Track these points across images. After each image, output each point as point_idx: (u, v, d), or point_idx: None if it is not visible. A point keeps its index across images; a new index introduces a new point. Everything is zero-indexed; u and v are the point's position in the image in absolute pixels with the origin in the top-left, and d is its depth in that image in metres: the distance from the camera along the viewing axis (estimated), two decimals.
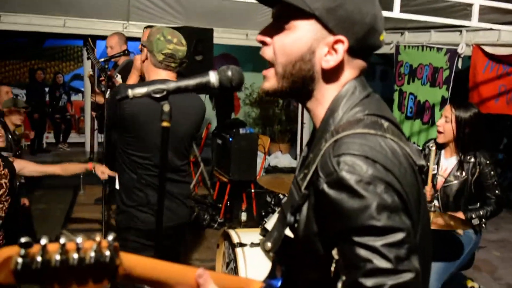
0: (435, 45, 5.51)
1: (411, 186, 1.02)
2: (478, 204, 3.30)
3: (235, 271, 3.32)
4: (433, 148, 3.34)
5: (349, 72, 1.13)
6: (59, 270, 0.82)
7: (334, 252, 1.00)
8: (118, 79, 5.50)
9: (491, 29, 3.94)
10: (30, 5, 6.80)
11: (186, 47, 2.70)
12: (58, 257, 0.80)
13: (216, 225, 5.57)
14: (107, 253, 0.84)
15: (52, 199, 6.20)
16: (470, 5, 3.50)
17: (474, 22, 3.22)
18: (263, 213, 3.81)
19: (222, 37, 7.88)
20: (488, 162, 3.21)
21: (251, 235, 3.38)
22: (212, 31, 5.72)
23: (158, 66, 2.66)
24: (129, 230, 2.69)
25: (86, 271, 0.84)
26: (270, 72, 1.16)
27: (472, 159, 3.23)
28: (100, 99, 5.38)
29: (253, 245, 3.26)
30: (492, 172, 3.21)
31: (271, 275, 1.40)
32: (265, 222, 3.15)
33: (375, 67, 13.03)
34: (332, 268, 1.01)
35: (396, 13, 3.09)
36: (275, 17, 1.16)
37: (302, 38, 1.10)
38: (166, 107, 1.22)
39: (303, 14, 1.08)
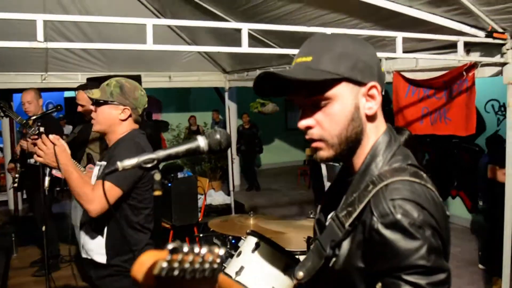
0: None
1: (447, 231, 1.14)
2: None
3: None
4: None
5: (379, 112, 1.26)
6: (185, 278, 0.85)
7: (378, 286, 1.10)
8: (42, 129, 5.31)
9: (414, 58, 4.23)
10: None
11: None
12: (188, 266, 0.84)
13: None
14: (216, 266, 0.87)
15: None
16: (389, 37, 3.76)
17: (399, 53, 3.43)
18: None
19: (146, 80, 7.82)
20: None
21: None
22: (140, 77, 5.69)
23: (137, 121, 2.69)
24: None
25: (200, 281, 0.88)
26: (322, 144, 1.23)
27: None
28: (30, 146, 5.16)
29: None
30: None
31: None
32: (225, 267, 3.11)
33: None
34: None
35: None
36: (306, 99, 1.23)
37: (345, 103, 1.20)
38: (157, 176, 1.22)
39: (334, 82, 1.19)
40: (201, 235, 4.63)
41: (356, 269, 1.16)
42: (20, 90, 8.47)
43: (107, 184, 2.43)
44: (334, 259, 1.20)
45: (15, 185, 5.55)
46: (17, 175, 5.50)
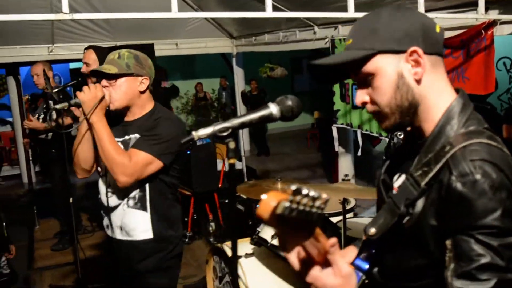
0: None
1: None
2: None
3: (233, 284, 3.34)
4: (401, 136, 3.51)
5: (437, 70, 1.29)
6: (298, 219, 0.93)
7: (448, 243, 1.14)
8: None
9: (435, 17, 4.18)
10: None
11: None
12: (303, 208, 0.91)
13: (187, 240, 5.53)
14: (320, 212, 0.95)
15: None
16: None
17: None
18: (250, 223, 3.83)
19: None
20: None
21: (242, 247, 3.41)
22: (153, 46, 5.65)
23: (151, 91, 2.58)
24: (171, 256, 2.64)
25: (307, 223, 0.97)
26: (379, 116, 1.32)
27: None
28: (36, 125, 5.21)
29: (247, 255, 3.30)
30: None
31: (359, 259, 1.46)
32: (259, 232, 3.18)
33: (302, 62, 13.32)
34: (447, 258, 1.14)
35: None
36: (355, 79, 1.33)
37: (386, 74, 1.26)
38: (232, 145, 1.24)
39: (370, 58, 1.25)
40: (226, 200, 4.67)
41: (429, 227, 1.20)
42: (27, 63, 8.49)
43: (150, 157, 2.40)
44: (407, 217, 1.25)
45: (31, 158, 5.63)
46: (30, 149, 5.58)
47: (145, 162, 2.39)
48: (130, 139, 2.53)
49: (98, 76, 2.51)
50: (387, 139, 5.11)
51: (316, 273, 1.14)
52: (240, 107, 9.51)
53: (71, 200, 4.24)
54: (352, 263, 1.43)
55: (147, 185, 2.51)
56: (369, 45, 1.25)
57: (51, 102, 5.23)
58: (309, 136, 12.16)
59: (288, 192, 0.91)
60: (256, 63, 10.38)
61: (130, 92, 2.47)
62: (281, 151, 11.04)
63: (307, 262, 1.13)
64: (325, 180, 8.33)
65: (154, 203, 2.53)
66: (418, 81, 1.27)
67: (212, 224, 5.67)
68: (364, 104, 1.32)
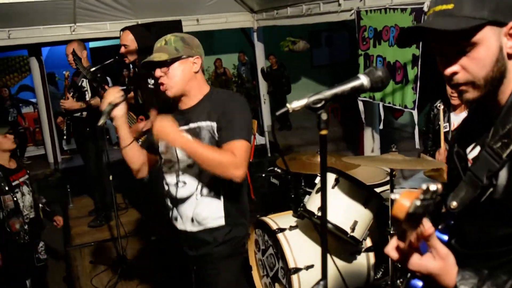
0: (399, 6, 5.64)
1: None
2: None
3: (276, 256, 3.39)
4: (441, 108, 3.51)
5: None
6: (422, 214, 1.02)
7: None
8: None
9: None
10: None
11: None
12: (427, 203, 0.99)
13: None
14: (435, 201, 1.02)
15: None
16: None
17: None
18: (292, 196, 3.87)
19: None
20: None
21: (285, 219, 3.46)
22: (181, 22, 5.63)
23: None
24: (242, 243, 2.64)
25: (424, 214, 1.04)
26: (469, 87, 1.28)
27: None
28: (71, 104, 5.26)
29: (291, 228, 3.34)
30: None
31: (438, 231, 1.49)
32: (304, 203, 3.22)
33: (321, 34, 13.21)
34: None
35: None
36: (451, 47, 1.26)
37: (490, 46, 1.22)
38: (324, 116, 1.26)
39: (479, 28, 1.20)
40: (263, 175, 4.70)
41: None
42: (50, 44, 8.52)
43: (245, 142, 2.36)
44: (491, 189, 1.26)
45: (65, 137, 5.68)
46: (65, 128, 5.62)
47: (245, 148, 2.34)
48: (199, 127, 2.46)
49: (150, 67, 2.47)
50: (412, 111, 5.10)
51: (417, 261, 1.18)
52: (261, 82, 9.50)
53: (111, 177, 4.32)
54: None
55: None
56: (478, 14, 1.19)
57: (85, 80, 5.30)
58: (330, 110, 12.12)
59: (419, 191, 0.99)
60: (275, 37, 10.31)
61: (186, 75, 2.43)
62: (302, 125, 11.01)
63: (407, 251, 1.17)
64: (350, 153, 8.32)
65: (226, 190, 2.50)
66: (510, 56, 1.25)
67: None
68: (453, 74, 1.28)
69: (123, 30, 4.15)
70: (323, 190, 1.32)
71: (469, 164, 1.38)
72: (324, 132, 1.28)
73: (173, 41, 2.43)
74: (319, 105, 1.26)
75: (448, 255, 1.19)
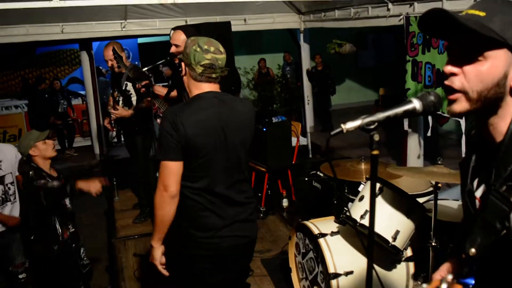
0: None
1: None
2: None
3: (316, 260, 3.44)
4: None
5: None
6: None
7: None
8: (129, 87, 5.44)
9: None
10: (26, 16, 6.72)
11: (225, 54, 2.56)
12: None
13: (261, 215, 5.69)
14: None
15: (87, 207, 6.10)
16: None
17: None
18: (335, 201, 3.91)
19: None
20: None
21: (326, 224, 3.50)
22: (230, 24, 5.69)
23: (199, 80, 2.54)
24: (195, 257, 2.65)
25: None
26: (460, 96, 1.30)
27: None
28: (122, 113, 5.32)
29: (333, 233, 3.38)
30: None
31: (462, 275, 1.52)
32: (347, 210, 3.25)
33: (367, 37, 13.12)
34: None
35: None
36: (462, 48, 1.29)
37: (497, 66, 1.24)
38: (377, 137, 1.31)
39: (496, 45, 1.23)
40: (306, 178, 4.76)
41: None
42: (100, 39, 8.76)
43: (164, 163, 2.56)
44: (504, 231, 1.28)
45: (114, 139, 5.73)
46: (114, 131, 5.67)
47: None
48: None
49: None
50: (459, 120, 5.02)
51: None
52: (306, 83, 9.53)
53: (157, 174, 4.42)
54: (459, 282, 1.49)
55: None
56: (502, 32, 1.21)
57: (128, 83, 5.35)
58: (373, 113, 11.98)
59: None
60: (321, 38, 10.30)
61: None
62: None
63: None
64: (390, 159, 8.25)
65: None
66: (511, 89, 1.27)
67: (285, 200, 5.80)
68: (451, 74, 1.31)
69: (174, 29, 4.19)
70: (371, 210, 1.37)
71: (477, 202, 1.41)
72: (375, 152, 1.32)
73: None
74: (372, 126, 1.30)
75: None
